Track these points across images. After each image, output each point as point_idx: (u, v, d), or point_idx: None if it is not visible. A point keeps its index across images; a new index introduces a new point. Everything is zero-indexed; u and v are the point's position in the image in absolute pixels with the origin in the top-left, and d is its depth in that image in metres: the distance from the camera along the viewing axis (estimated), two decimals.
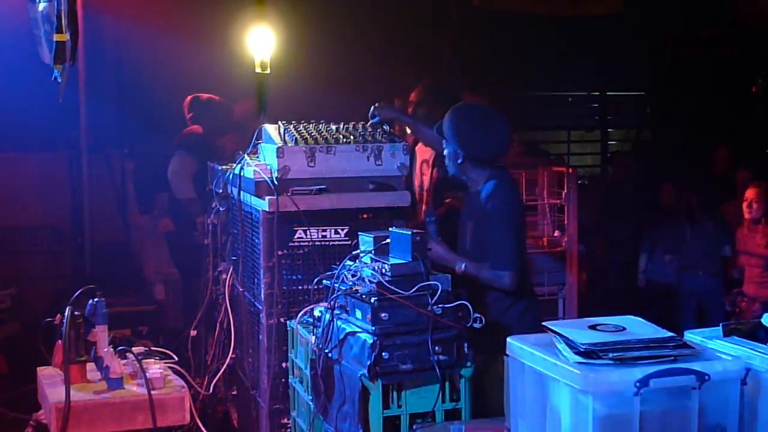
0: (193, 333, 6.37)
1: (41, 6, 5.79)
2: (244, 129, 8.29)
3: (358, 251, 4.71)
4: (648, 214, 9.75)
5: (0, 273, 10.08)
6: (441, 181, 6.70)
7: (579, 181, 8.18)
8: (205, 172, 7.05)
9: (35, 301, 9.70)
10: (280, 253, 5.28)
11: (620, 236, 9.86)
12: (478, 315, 4.26)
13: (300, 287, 5.31)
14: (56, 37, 5.52)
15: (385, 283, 4.27)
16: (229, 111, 8.72)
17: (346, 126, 5.69)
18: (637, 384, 3.13)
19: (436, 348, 4.17)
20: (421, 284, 4.27)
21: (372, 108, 5.81)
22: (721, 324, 3.61)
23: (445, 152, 5.45)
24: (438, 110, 7.28)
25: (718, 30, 12.57)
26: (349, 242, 5.27)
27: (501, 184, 5.28)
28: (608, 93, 14.05)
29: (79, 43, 6.00)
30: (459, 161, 5.33)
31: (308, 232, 5.27)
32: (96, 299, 4.52)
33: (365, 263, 4.54)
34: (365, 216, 5.39)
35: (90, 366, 4.61)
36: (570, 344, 3.32)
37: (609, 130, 14.20)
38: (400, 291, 4.23)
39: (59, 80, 5.70)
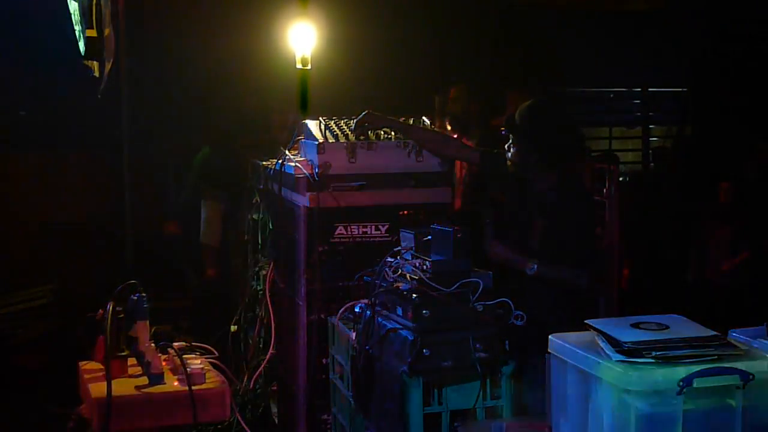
0: (234, 329, 6.39)
1: (79, 1, 5.80)
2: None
3: (399, 248, 4.71)
4: (694, 210, 9.66)
5: (42, 268, 10.16)
6: (479, 176, 6.68)
7: (620, 178, 8.12)
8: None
9: (77, 297, 9.75)
10: (320, 249, 5.28)
11: (663, 233, 9.79)
12: (520, 312, 4.24)
13: (340, 284, 5.31)
14: (87, 33, 5.53)
15: (426, 279, 4.26)
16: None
17: None
18: (681, 383, 3.10)
19: (477, 345, 4.15)
20: (463, 281, 4.25)
21: (360, 116, 5.59)
22: (765, 323, 3.57)
23: (512, 148, 5.27)
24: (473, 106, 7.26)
25: (761, 25, 12.46)
26: (390, 238, 5.27)
27: (577, 182, 5.19)
28: (650, 89, 13.97)
29: (121, 39, 6.01)
30: (535, 160, 5.13)
31: (349, 228, 5.28)
32: (137, 295, 4.54)
33: (406, 260, 4.53)
34: (406, 212, 5.37)
35: (131, 361, 4.63)
36: (613, 342, 3.29)
37: (651, 126, 14.12)
38: (442, 288, 4.22)
39: (95, 76, 5.72)
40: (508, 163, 5.27)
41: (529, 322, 4.32)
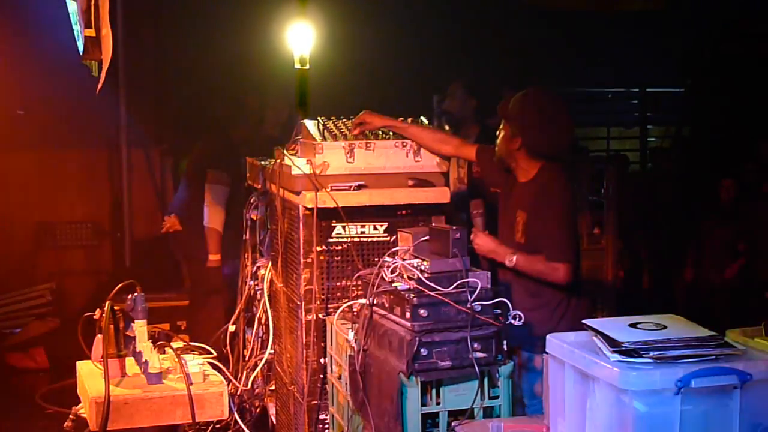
0: (232, 328, 6.38)
1: (78, 1, 5.79)
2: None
3: (397, 248, 4.70)
4: (692, 211, 9.66)
5: (40, 268, 10.17)
6: (478, 179, 6.65)
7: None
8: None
9: (75, 296, 9.78)
10: (318, 249, 5.28)
11: (660, 233, 9.80)
12: (518, 312, 4.24)
13: (338, 283, 5.31)
14: (85, 32, 5.52)
15: (424, 279, 4.25)
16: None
17: None
18: (679, 383, 3.10)
19: (475, 345, 4.15)
20: (460, 281, 4.25)
21: (358, 116, 5.62)
22: (762, 323, 3.57)
23: (501, 133, 5.30)
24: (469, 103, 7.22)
25: (759, 26, 12.46)
26: (388, 238, 5.27)
27: (558, 175, 5.16)
28: (648, 89, 13.98)
29: (118, 38, 6.00)
30: (517, 147, 5.18)
31: (347, 228, 5.27)
32: (135, 294, 4.54)
33: (404, 260, 4.53)
34: (404, 212, 5.37)
35: (129, 361, 4.63)
36: (611, 342, 3.29)
37: (648, 126, 14.13)
38: (439, 288, 4.21)
39: (94, 75, 5.71)
40: (496, 149, 5.31)
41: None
